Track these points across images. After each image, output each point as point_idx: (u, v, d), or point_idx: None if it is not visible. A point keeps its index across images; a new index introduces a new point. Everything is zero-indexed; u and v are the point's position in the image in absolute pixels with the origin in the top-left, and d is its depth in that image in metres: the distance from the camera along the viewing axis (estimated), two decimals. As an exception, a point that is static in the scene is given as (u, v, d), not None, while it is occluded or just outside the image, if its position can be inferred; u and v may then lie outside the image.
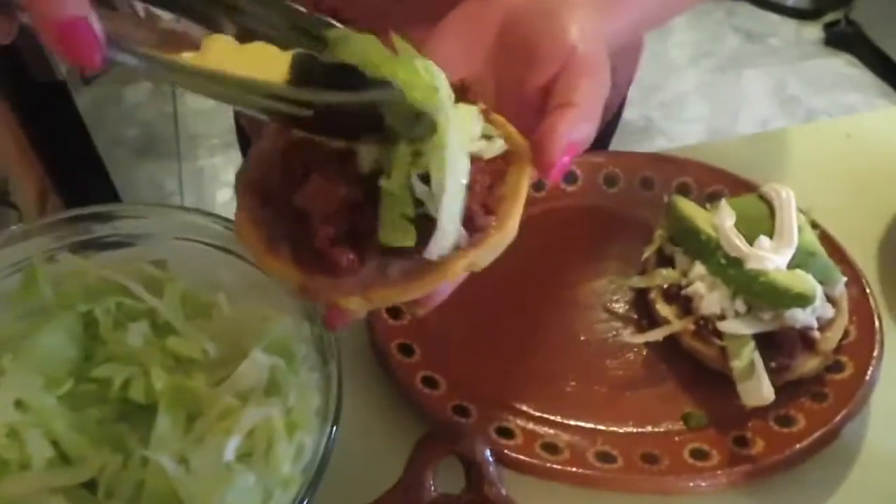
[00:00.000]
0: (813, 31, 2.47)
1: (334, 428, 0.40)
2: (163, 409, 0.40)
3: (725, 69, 2.37)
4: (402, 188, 0.31)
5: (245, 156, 0.80)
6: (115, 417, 0.42)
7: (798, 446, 0.47)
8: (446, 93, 0.32)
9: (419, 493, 0.39)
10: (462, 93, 0.35)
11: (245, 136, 0.79)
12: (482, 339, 0.54)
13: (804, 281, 0.49)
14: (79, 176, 1.35)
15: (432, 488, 0.40)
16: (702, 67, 2.38)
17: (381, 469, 0.41)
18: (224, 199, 1.91)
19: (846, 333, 0.52)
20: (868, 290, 0.54)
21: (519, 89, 0.38)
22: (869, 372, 0.50)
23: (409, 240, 0.31)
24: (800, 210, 0.54)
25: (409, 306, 0.35)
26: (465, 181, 0.32)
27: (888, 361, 0.51)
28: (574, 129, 0.35)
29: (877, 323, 0.52)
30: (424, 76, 0.32)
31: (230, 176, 2.02)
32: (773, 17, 2.55)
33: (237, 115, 0.80)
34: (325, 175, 0.32)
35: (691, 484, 0.46)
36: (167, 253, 0.48)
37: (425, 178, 0.32)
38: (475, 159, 0.34)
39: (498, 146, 0.35)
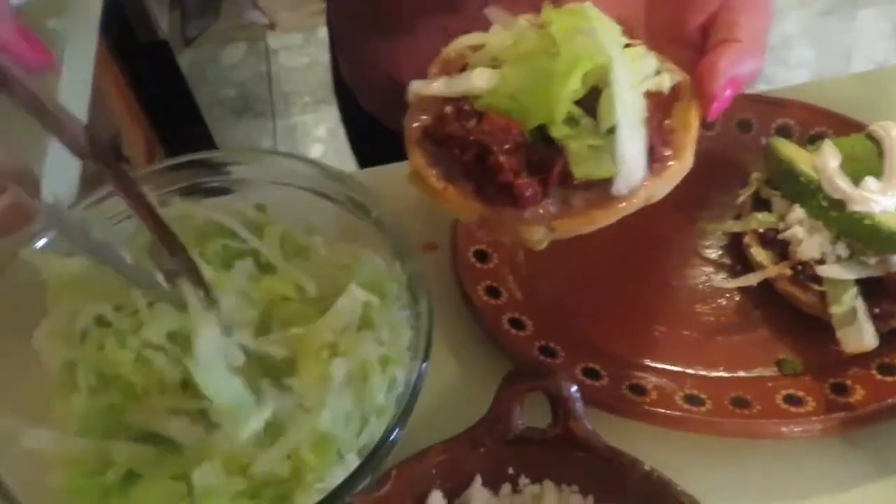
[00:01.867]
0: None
1: (425, 363, 0.41)
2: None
3: (836, 9, 2.21)
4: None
5: (344, 109, 0.83)
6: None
7: (901, 396, 0.45)
8: (615, 36, 0.34)
9: (507, 425, 0.41)
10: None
11: (345, 87, 0.81)
12: (569, 283, 0.54)
13: (913, 224, 0.47)
14: (183, 132, 1.42)
15: (519, 422, 0.41)
16: (811, 8, 2.23)
17: (470, 404, 0.43)
18: (317, 153, 1.96)
19: (960, 281, 0.49)
20: None
21: (676, 30, 0.39)
22: (984, 320, 0.47)
23: (606, 171, 0.33)
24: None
25: (529, 240, 0.35)
26: (643, 117, 0.34)
27: None
28: (737, 63, 0.36)
29: None
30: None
31: (322, 132, 2.08)
32: (894, -49, 2.35)
33: (336, 68, 0.82)
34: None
35: (783, 429, 0.45)
36: (265, 198, 0.50)
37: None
38: (652, 94, 0.35)
39: (670, 79, 0.36)
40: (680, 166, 0.35)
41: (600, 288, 0.54)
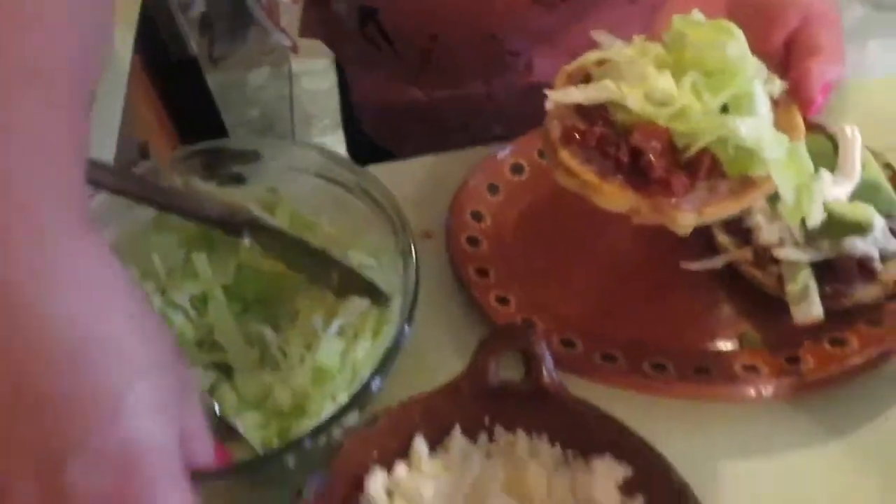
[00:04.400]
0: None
1: (407, 326, 0.46)
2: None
3: (848, 40, 2.26)
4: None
5: (347, 118, 0.90)
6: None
7: (847, 363, 0.49)
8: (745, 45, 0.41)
9: (484, 379, 0.45)
10: None
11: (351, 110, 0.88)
12: (549, 265, 0.59)
13: (862, 210, 0.51)
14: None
15: (496, 377, 0.45)
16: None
17: (453, 363, 0.48)
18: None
19: (911, 266, 0.54)
20: (937, 226, 0.55)
21: (760, 44, 0.44)
22: (929, 300, 0.51)
23: (759, 168, 0.40)
24: (872, 151, 0.56)
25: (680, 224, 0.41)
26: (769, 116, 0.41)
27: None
28: (826, 70, 0.42)
29: (943, 258, 0.53)
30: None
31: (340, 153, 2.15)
32: (906, -16, 2.40)
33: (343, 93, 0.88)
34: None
35: (740, 391, 0.49)
36: (276, 182, 0.56)
37: None
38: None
39: (779, 86, 0.43)
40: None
41: (577, 269, 0.59)
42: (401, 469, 0.44)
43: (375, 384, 0.42)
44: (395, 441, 0.45)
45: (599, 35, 0.47)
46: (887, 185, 0.54)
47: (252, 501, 0.47)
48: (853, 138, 0.54)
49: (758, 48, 0.43)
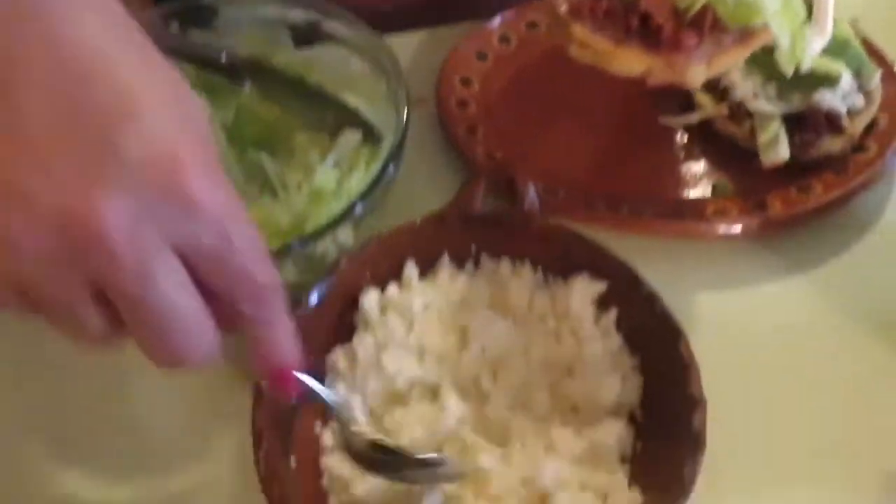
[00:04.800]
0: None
1: (395, 156, 0.49)
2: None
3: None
4: None
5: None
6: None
7: (811, 204, 0.53)
8: None
9: (470, 207, 0.48)
10: None
11: None
12: (534, 122, 0.62)
13: (831, 64, 0.54)
14: None
15: (482, 205, 0.48)
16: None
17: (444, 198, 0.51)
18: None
19: (876, 123, 0.57)
20: (903, 87, 0.58)
21: None
22: (889, 151, 0.55)
23: (756, 17, 0.43)
24: (848, 21, 0.58)
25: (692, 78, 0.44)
26: None
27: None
28: None
29: (907, 114, 0.56)
30: None
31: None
32: None
33: None
34: None
35: (711, 228, 0.53)
36: (270, 36, 0.57)
37: None
38: None
39: None
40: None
41: (560, 128, 0.62)
42: (392, 289, 0.47)
43: (364, 205, 0.45)
44: (387, 264, 0.48)
45: None
46: (857, 44, 0.56)
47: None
48: (827, -4, 0.56)
49: None
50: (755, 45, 0.45)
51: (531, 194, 0.48)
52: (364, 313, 0.46)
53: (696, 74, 0.44)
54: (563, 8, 0.46)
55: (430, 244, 0.48)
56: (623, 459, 0.43)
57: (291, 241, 0.44)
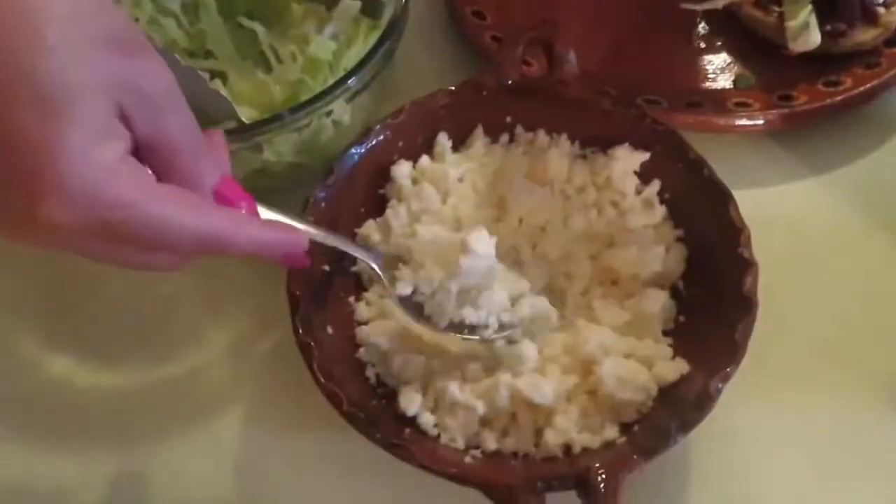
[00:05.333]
0: None
1: (392, 39, 0.45)
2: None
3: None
4: None
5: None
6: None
7: (839, 98, 0.51)
8: None
9: (508, 71, 0.45)
10: None
11: None
12: (547, 10, 0.57)
13: (869, -54, 0.52)
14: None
15: (518, 71, 0.45)
16: None
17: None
18: None
19: (916, 14, 0.54)
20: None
21: None
22: (925, 45, 0.53)
23: None
24: None
25: None
26: None
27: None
28: None
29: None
30: None
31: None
32: None
33: None
34: None
35: (730, 122, 0.50)
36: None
37: None
38: None
39: None
40: None
41: (576, 12, 0.58)
42: (424, 160, 0.44)
43: (360, 77, 0.42)
44: (420, 135, 0.45)
45: None
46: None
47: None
48: None
49: None
50: None
51: (571, 59, 0.45)
52: (396, 185, 0.44)
53: None
54: None
55: (464, 114, 0.45)
56: (666, 332, 0.41)
57: (282, 112, 0.41)
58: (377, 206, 0.44)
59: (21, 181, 0.24)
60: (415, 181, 0.44)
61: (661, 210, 0.44)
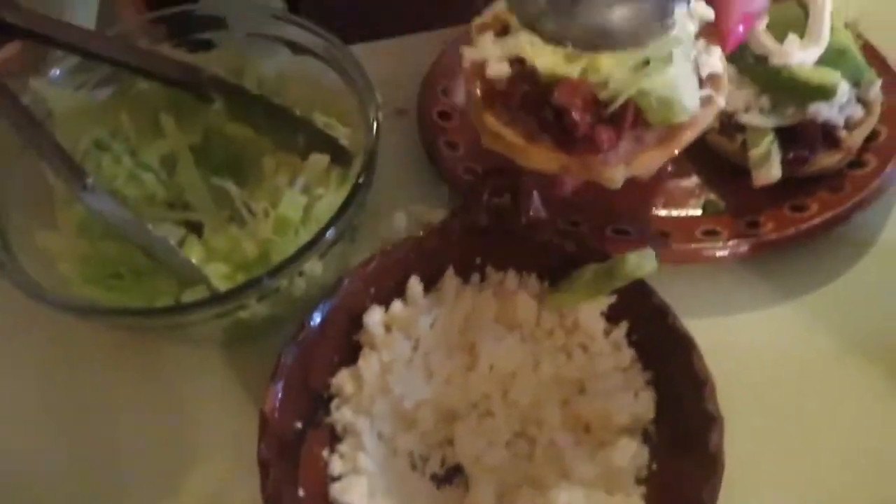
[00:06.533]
0: None
1: (364, 177, 0.46)
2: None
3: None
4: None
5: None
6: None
7: (804, 226, 0.51)
8: None
9: (475, 216, 0.46)
10: None
11: None
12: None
13: (826, 74, 0.52)
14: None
15: (485, 214, 0.46)
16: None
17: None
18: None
19: (876, 134, 0.55)
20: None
21: None
22: (889, 166, 0.53)
23: (679, 116, 0.37)
24: (846, 23, 0.56)
25: (611, 178, 0.40)
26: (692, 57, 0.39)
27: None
28: (748, 1, 0.40)
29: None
30: None
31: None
32: None
33: None
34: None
35: (698, 252, 0.51)
36: (245, 48, 0.54)
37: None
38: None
39: (696, 24, 0.40)
40: (721, 99, 0.40)
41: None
42: (397, 306, 0.46)
43: (332, 232, 0.43)
44: (392, 280, 0.46)
45: None
46: (855, 52, 0.54)
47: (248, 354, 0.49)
48: (822, 4, 0.54)
49: None
50: (682, 143, 0.39)
51: (535, 203, 0.46)
52: (369, 333, 0.45)
53: (614, 175, 0.39)
54: (478, 93, 0.40)
55: (434, 257, 0.47)
56: (639, 480, 0.42)
57: (256, 277, 0.42)
58: (351, 353, 0.45)
59: None
60: (387, 327, 0.45)
61: (629, 353, 0.45)
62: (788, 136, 0.53)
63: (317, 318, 0.44)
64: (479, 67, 0.40)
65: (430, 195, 0.57)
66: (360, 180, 0.45)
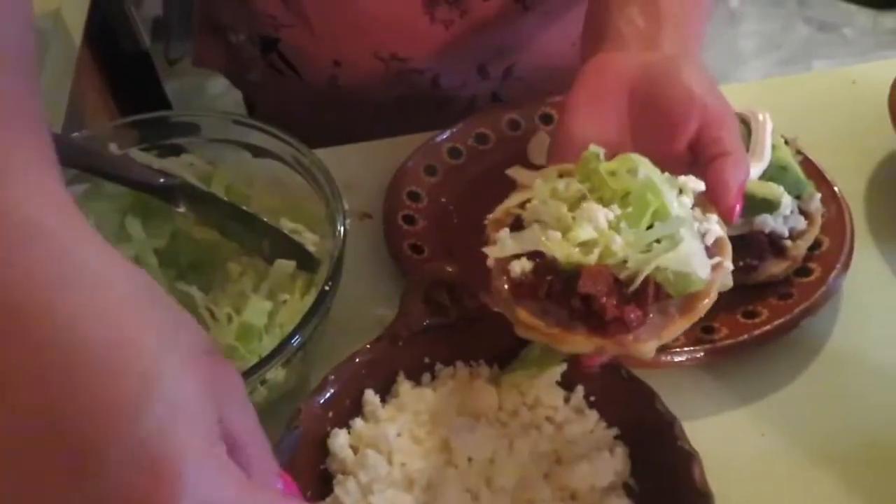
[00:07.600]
0: (892, 21, 2.41)
1: (330, 285, 0.47)
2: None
3: (794, 61, 2.35)
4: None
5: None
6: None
7: (756, 332, 0.52)
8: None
9: (416, 317, 0.47)
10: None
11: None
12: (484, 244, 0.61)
13: (770, 189, 0.54)
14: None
15: (425, 315, 0.47)
16: (769, 59, 2.36)
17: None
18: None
19: (819, 244, 0.57)
20: (844, 206, 0.59)
21: (665, 150, 0.44)
22: (832, 274, 0.55)
23: (696, 286, 0.39)
24: (784, 139, 0.59)
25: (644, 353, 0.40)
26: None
27: (862, 276, 0.57)
28: (737, 174, 0.43)
29: (848, 234, 0.57)
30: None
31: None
32: (850, 7, 2.49)
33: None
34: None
35: (657, 357, 0.49)
36: (214, 154, 0.57)
37: None
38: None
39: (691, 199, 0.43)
40: (728, 262, 0.42)
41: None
42: (358, 424, 0.45)
43: (296, 340, 0.43)
44: (347, 398, 0.46)
45: (516, 172, 0.48)
46: (796, 168, 0.57)
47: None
48: (764, 122, 0.57)
49: (664, 152, 0.44)
50: (703, 307, 0.41)
51: (472, 290, 0.47)
52: (338, 459, 0.44)
53: (647, 350, 0.40)
54: (506, 289, 0.41)
55: (384, 366, 0.47)
56: None
57: None
58: (323, 485, 0.44)
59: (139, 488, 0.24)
60: (355, 449, 0.44)
61: (592, 414, 0.46)
62: (738, 246, 0.54)
63: (280, 458, 0.41)
64: (503, 263, 0.42)
65: (396, 298, 0.58)
66: (327, 287, 0.46)
